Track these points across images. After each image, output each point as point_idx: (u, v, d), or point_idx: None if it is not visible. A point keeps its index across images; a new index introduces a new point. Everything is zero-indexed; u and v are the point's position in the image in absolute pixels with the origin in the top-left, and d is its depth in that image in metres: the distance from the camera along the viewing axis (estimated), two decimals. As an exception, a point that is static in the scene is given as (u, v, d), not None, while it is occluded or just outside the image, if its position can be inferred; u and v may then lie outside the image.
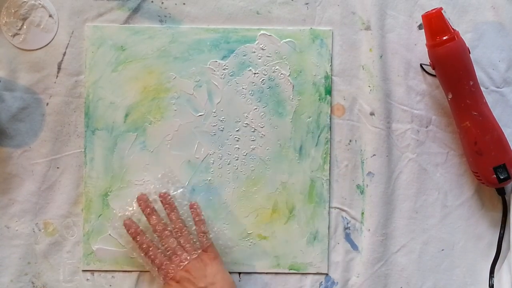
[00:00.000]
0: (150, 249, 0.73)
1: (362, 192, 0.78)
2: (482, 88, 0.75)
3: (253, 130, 0.78)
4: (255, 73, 0.78)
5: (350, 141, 0.78)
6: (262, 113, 0.78)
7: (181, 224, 0.73)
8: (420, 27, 0.78)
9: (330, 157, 0.78)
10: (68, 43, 0.77)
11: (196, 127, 0.78)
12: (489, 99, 0.76)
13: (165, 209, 0.74)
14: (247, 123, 0.78)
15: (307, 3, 0.78)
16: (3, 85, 0.77)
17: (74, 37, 0.77)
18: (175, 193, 0.75)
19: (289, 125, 0.78)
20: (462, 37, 0.73)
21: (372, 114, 0.78)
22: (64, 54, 0.77)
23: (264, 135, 0.78)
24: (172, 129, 0.78)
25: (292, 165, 0.78)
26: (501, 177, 0.74)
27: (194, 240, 0.73)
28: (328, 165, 0.78)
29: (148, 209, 0.74)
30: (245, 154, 0.78)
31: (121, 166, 0.78)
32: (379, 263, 0.78)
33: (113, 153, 0.78)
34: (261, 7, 0.78)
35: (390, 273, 0.78)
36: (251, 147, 0.78)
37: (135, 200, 0.75)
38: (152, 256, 0.72)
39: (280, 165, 0.78)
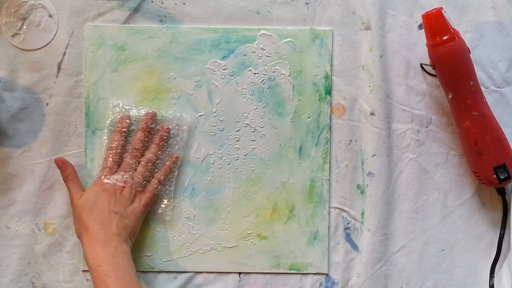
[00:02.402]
0: (114, 150, 0.74)
1: (362, 192, 0.78)
2: (482, 88, 0.75)
3: (253, 130, 0.78)
4: (255, 73, 0.78)
5: (350, 141, 0.78)
6: (262, 113, 0.78)
7: (153, 159, 0.74)
8: (420, 27, 0.78)
9: (330, 157, 0.78)
10: (68, 43, 0.77)
11: (196, 127, 0.78)
12: (489, 99, 0.76)
13: (154, 138, 0.75)
14: (247, 123, 0.78)
15: (307, 3, 0.78)
16: (3, 85, 0.77)
17: (74, 37, 0.77)
18: (175, 137, 0.76)
19: (289, 125, 0.78)
20: (462, 37, 0.73)
21: (372, 114, 0.78)
22: (64, 54, 0.77)
23: (264, 135, 0.78)
24: (172, 129, 0.78)
25: (292, 165, 0.78)
26: (502, 177, 0.74)
27: (148, 180, 0.75)
28: (328, 165, 0.78)
29: (147, 127, 0.75)
30: (245, 154, 0.78)
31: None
32: (379, 263, 0.77)
33: (113, 153, 0.77)
34: (261, 7, 0.78)
35: (390, 273, 0.78)
36: (251, 147, 0.78)
37: (145, 109, 0.76)
38: (108, 155, 0.74)
39: (280, 165, 0.78)
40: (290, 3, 0.78)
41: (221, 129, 0.78)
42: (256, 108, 0.78)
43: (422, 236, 0.78)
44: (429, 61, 0.75)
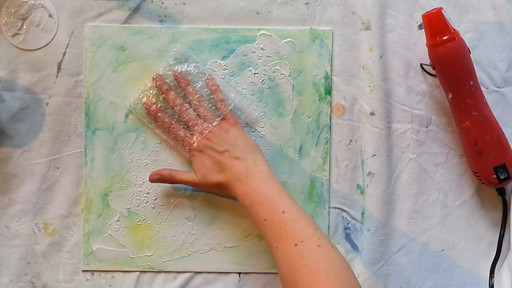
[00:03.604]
0: (172, 125, 0.74)
1: (362, 192, 0.78)
2: (482, 88, 0.75)
3: (253, 130, 0.78)
4: (255, 73, 0.78)
5: (350, 141, 0.78)
6: (262, 113, 0.78)
7: (198, 95, 0.75)
8: (420, 27, 0.78)
9: (330, 157, 0.78)
10: (68, 43, 0.77)
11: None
12: (489, 99, 0.76)
13: (180, 85, 0.75)
14: (247, 123, 0.78)
15: (307, 3, 0.78)
16: (3, 85, 0.77)
17: (74, 37, 0.77)
18: (189, 68, 0.76)
19: (289, 125, 0.78)
20: (462, 37, 0.73)
21: (372, 114, 0.78)
22: (64, 54, 0.77)
23: (264, 135, 0.78)
24: (172, 129, 0.78)
25: (292, 165, 0.78)
26: (501, 177, 0.74)
27: (213, 109, 0.75)
28: (328, 165, 0.78)
29: (165, 86, 0.75)
30: (245, 154, 0.78)
31: (121, 166, 0.77)
32: (379, 263, 0.77)
33: (113, 153, 0.78)
34: (261, 7, 0.78)
35: (390, 273, 0.78)
36: (251, 147, 0.78)
37: (151, 79, 0.76)
38: (174, 131, 0.74)
39: (280, 165, 0.78)
40: (290, 3, 0.78)
41: (221, 129, 0.78)
42: (256, 108, 0.78)
43: (422, 236, 0.78)
44: (429, 61, 0.75)
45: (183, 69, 0.76)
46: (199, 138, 0.73)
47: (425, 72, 0.78)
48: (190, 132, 0.74)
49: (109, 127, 0.77)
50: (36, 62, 0.77)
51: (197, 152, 0.73)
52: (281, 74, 0.78)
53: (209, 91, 0.76)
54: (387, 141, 0.78)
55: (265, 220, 0.67)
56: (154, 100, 0.76)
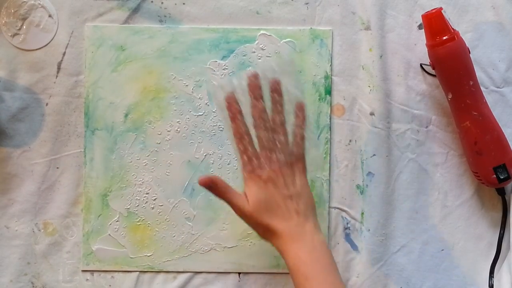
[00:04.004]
0: (246, 136, 0.66)
1: (362, 192, 0.78)
2: (482, 88, 0.75)
3: (253, 130, 0.78)
4: (255, 73, 0.78)
5: (350, 141, 0.78)
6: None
7: (284, 119, 0.66)
8: (420, 27, 0.78)
9: (330, 157, 0.78)
10: (68, 43, 0.77)
11: (196, 127, 0.78)
12: (489, 99, 0.76)
13: (272, 97, 0.66)
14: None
15: (307, 3, 0.78)
16: (3, 85, 0.77)
17: (74, 37, 0.77)
18: (289, 87, 0.67)
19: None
20: (462, 37, 0.73)
21: (372, 114, 0.78)
22: (64, 54, 0.77)
23: (264, 135, 0.78)
24: (172, 129, 0.78)
25: (292, 165, 0.78)
26: (501, 177, 0.74)
27: (290, 142, 0.67)
28: (328, 165, 0.78)
29: (259, 92, 0.66)
30: (245, 154, 0.78)
31: (121, 166, 0.77)
32: (379, 263, 0.77)
33: (113, 153, 0.78)
34: (261, 7, 0.78)
35: (390, 273, 0.78)
36: (251, 147, 0.78)
37: (246, 75, 0.67)
38: (245, 144, 0.66)
39: (280, 165, 0.78)
40: (290, 3, 0.78)
41: (221, 129, 0.78)
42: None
43: (421, 236, 0.78)
44: (429, 61, 0.75)
45: (283, 81, 0.67)
46: (268, 167, 0.65)
47: (425, 72, 0.78)
48: (260, 154, 0.66)
49: (108, 127, 0.77)
50: (36, 62, 0.77)
51: (259, 180, 0.65)
52: (281, 74, 0.78)
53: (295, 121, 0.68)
54: (387, 141, 0.78)
55: None
56: (241, 100, 0.67)
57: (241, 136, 0.66)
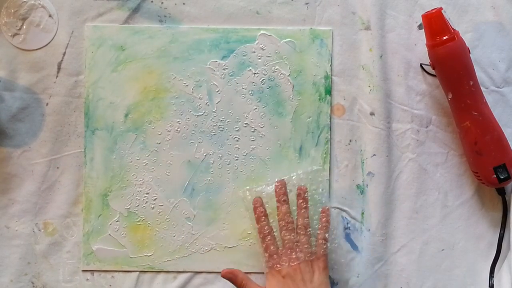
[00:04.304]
0: (269, 236, 0.72)
1: (362, 192, 0.78)
2: (482, 88, 0.75)
3: (253, 130, 0.78)
4: (255, 73, 0.78)
5: (350, 141, 0.78)
6: (262, 113, 0.78)
7: (307, 223, 0.73)
8: (420, 27, 0.78)
9: (330, 157, 0.78)
10: (68, 43, 0.77)
11: (196, 127, 0.78)
12: (489, 99, 0.76)
13: (298, 203, 0.73)
14: (247, 123, 0.78)
15: (307, 3, 0.78)
16: (3, 85, 0.77)
17: (74, 37, 0.77)
18: (315, 195, 0.75)
19: (289, 125, 0.78)
20: (462, 37, 0.73)
21: (372, 114, 0.78)
22: (64, 54, 0.77)
23: (264, 135, 0.78)
24: (172, 129, 0.78)
25: (292, 165, 0.78)
26: (501, 177, 0.74)
27: (313, 243, 0.73)
28: (328, 165, 0.78)
29: (284, 197, 0.73)
30: (245, 154, 0.78)
31: (121, 166, 0.78)
32: (379, 263, 0.77)
33: (113, 153, 0.78)
34: (261, 7, 0.78)
35: (390, 273, 0.78)
36: (251, 147, 0.78)
37: (275, 182, 0.74)
38: (268, 243, 0.72)
39: (280, 165, 0.78)
40: (290, 3, 0.78)
41: (221, 129, 0.78)
42: (256, 108, 0.78)
43: (422, 236, 0.78)
44: (429, 61, 0.75)
45: (308, 190, 0.74)
46: (287, 264, 0.71)
47: (425, 72, 0.78)
48: (281, 252, 0.72)
49: (108, 127, 0.77)
50: (36, 62, 0.77)
51: (278, 275, 0.71)
52: (281, 74, 0.78)
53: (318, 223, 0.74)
54: (387, 141, 0.78)
55: None
56: (268, 202, 0.74)
57: (264, 235, 0.73)
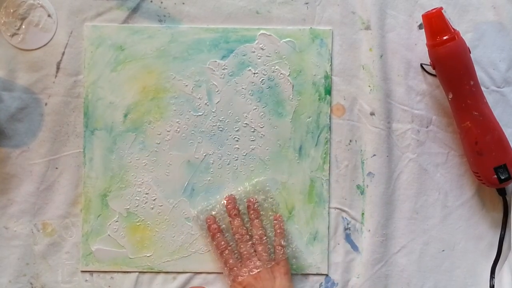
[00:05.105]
0: (226, 250, 0.74)
1: (362, 193, 0.78)
2: (482, 88, 0.75)
3: (252, 130, 0.78)
4: (254, 73, 0.78)
5: (350, 141, 0.78)
6: (262, 113, 0.78)
7: (262, 232, 0.75)
8: (420, 26, 0.78)
9: (330, 157, 0.78)
10: (67, 43, 0.77)
11: (196, 127, 0.78)
12: (490, 99, 0.76)
13: (249, 215, 0.76)
14: (246, 123, 0.78)
15: (307, 3, 0.78)
16: (2, 85, 0.76)
17: (73, 36, 0.77)
18: (264, 203, 0.77)
19: (288, 125, 0.78)
20: (463, 37, 0.73)
21: (372, 114, 0.78)
22: (63, 54, 0.77)
23: (263, 135, 0.78)
24: (172, 129, 0.78)
25: (292, 165, 0.78)
26: (502, 178, 0.74)
27: (271, 250, 0.75)
28: (328, 165, 0.78)
29: (235, 211, 0.75)
30: (244, 154, 0.78)
31: (120, 166, 0.77)
32: (379, 264, 0.77)
33: (112, 153, 0.77)
34: (261, 7, 0.78)
35: (390, 274, 0.78)
36: (251, 147, 0.78)
37: (224, 198, 0.76)
38: (226, 257, 0.74)
39: (280, 165, 0.78)
40: (290, 3, 0.78)
41: (221, 129, 0.78)
42: (255, 108, 0.78)
43: (422, 236, 0.78)
44: (429, 61, 0.75)
45: (258, 200, 0.76)
46: (248, 274, 0.73)
47: (425, 72, 0.78)
48: (240, 264, 0.74)
49: (108, 127, 0.77)
50: (35, 62, 0.77)
51: (240, 286, 0.73)
52: (281, 74, 0.78)
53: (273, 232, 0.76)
54: (387, 141, 0.78)
55: None
56: (221, 218, 0.76)
57: (222, 251, 0.75)
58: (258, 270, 0.73)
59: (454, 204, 0.78)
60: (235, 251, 0.75)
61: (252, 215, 0.75)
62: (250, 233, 0.75)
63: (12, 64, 0.77)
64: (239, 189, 0.77)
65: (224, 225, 0.76)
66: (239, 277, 0.73)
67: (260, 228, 0.75)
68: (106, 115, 0.77)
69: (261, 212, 0.76)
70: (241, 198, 0.77)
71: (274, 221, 0.76)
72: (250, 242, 0.74)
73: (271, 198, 0.77)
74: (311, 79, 0.78)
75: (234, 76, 0.78)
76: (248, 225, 0.76)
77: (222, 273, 0.77)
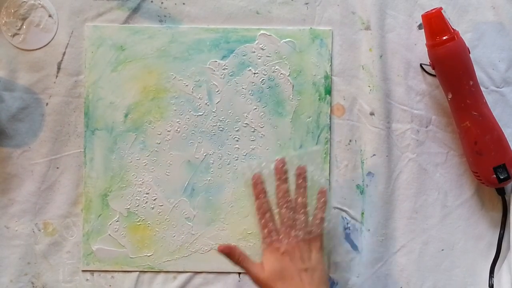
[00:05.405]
0: (268, 213, 0.72)
1: (362, 192, 0.78)
2: (482, 88, 0.75)
3: (253, 130, 0.78)
4: (254, 73, 0.78)
5: (350, 141, 0.78)
6: (262, 113, 0.78)
7: (306, 202, 0.73)
8: (420, 27, 0.78)
9: (330, 157, 0.78)
10: (68, 43, 0.77)
11: (196, 127, 0.78)
12: (489, 99, 0.76)
13: (297, 182, 0.73)
14: (247, 123, 0.78)
15: (307, 3, 0.78)
16: (3, 85, 0.77)
17: (73, 37, 0.77)
18: (314, 175, 0.74)
19: (289, 125, 0.78)
20: (462, 37, 0.73)
21: (372, 114, 0.78)
22: (64, 54, 0.77)
23: (264, 135, 0.78)
24: (172, 129, 0.78)
25: (292, 165, 0.78)
26: (501, 177, 0.74)
27: (311, 223, 0.72)
28: (328, 165, 0.78)
29: (284, 175, 0.73)
30: (245, 154, 0.78)
31: (121, 166, 0.77)
32: (379, 263, 0.77)
33: (113, 153, 0.78)
34: (261, 7, 0.78)
35: (390, 273, 0.78)
36: (251, 147, 0.78)
37: (275, 160, 0.73)
38: (266, 219, 0.72)
39: (280, 165, 0.78)
40: (290, 3, 0.78)
41: (221, 129, 0.78)
42: (256, 108, 0.78)
43: (421, 236, 0.78)
44: (429, 61, 0.75)
45: (308, 169, 0.73)
46: (286, 241, 0.71)
47: (424, 72, 0.78)
48: (280, 229, 0.72)
49: (108, 127, 0.77)
50: (36, 62, 0.77)
51: (277, 252, 0.70)
52: (281, 74, 0.78)
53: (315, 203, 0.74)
54: (387, 141, 0.78)
55: None
56: (266, 179, 0.73)
57: (263, 212, 0.72)
58: (298, 239, 0.71)
59: (454, 204, 0.78)
60: (276, 217, 0.73)
61: (300, 183, 0.73)
62: (293, 202, 0.73)
63: (13, 64, 0.77)
64: (292, 154, 0.75)
65: (268, 189, 0.73)
66: (277, 243, 0.71)
67: (305, 198, 0.73)
68: (106, 115, 0.77)
69: (308, 182, 0.73)
70: (289, 165, 0.73)
71: (319, 194, 0.73)
72: (292, 210, 0.72)
73: (322, 171, 0.76)
74: (311, 79, 0.78)
75: (234, 76, 0.78)
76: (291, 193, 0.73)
77: (222, 272, 0.77)
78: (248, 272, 0.71)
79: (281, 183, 0.72)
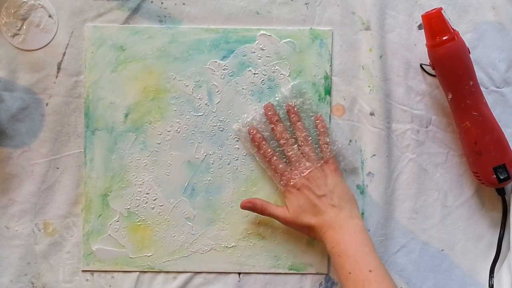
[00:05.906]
0: (274, 157, 0.75)
1: (362, 192, 0.78)
2: (482, 88, 0.75)
3: (253, 130, 0.78)
4: (254, 73, 0.78)
5: (350, 141, 0.78)
6: (262, 113, 0.78)
7: (306, 133, 0.75)
8: (420, 27, 0.78)
9: (330, 157, 0.78)
10: (68, 43, 0.77)
11: (196, 127, 0.78)
12: (489, 99, 0.76)
13: (291, 119, 0.76)
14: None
15: (307, 3, 0.78)
16: (3, 85, 0.77)
17: (73, 37, 0.77)
18: (303, 105, 0.76)
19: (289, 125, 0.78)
20: (462, 37, 0.73)
21: (372, 114, 0.78)
22: (64, 54, 0.77)
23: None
24: (172, 129, 0.78)
25: (292, 165, 0.78)
26: (501, 177, 0.74)
27: (317, 150, 0.75)
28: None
29: (276, 117, 0.75)
30: (245, 154, 0.78)
31: (121, 166, 0.78)
32: (379, 263, 0.77)
33: (113, 153, 0.78)
34: (261, 7, 0.78)
35: (390, 273, 0.78)
36: (251, 147, 0.78)
37: (262, 108, 0.76)
38: (275, 163, 0.75)
39: (280, 165, 0.78)
40: (290, 3, 0.78)
41: (221, 129, 0.78)
42: (256, 108, 0.78)
43: (421, 236, 0.78)
44: (429, 61, 0.75)
45: (296, 104, 0.76)
46: (298, 176, 0.73)
47: (424, 72, 0.78)
48: (290, 168, 0.74)
49: (108, 127, 0.77)
50: (36, 62, 0.77)
51: (294, 190, 0.73)
52: (281, 74, 0.78)
53: (316, 132, 0.76)
54: (387, 141, 0.78)
55: (349, 273, 0.68)
56: (262, 128, 0.76)
57: (269, 158, 0.75)
58: (309, 170, 0.73)
59: (454, 204, 0.78)
60: (283, 157, 0.75)
61: (294, 118, 0.75)
62: (294, 137, 0.75)
63: (13, 64, 0.77)
64: (276, 96, 0.77)
65: (266, 134, 0.76)
66: (291, 180, 0.73)
67: (304, 130, 0.75)
68: (106, 115, 0.77)
69: (302, 115, 0.76)
70: (280, 104, 0.76)
71: (316, 121, 0.76)
72: (295, 145, 0.74)
73: (309, 100, 0.76)
74: (311, 79, 0.78)
75: (234, 77, 0.78)
76: (290, 129, 0.76)
77: (222, 272, 0.77)
78: (275, 217, 0.74)
79: (276, 125, 0.75)
